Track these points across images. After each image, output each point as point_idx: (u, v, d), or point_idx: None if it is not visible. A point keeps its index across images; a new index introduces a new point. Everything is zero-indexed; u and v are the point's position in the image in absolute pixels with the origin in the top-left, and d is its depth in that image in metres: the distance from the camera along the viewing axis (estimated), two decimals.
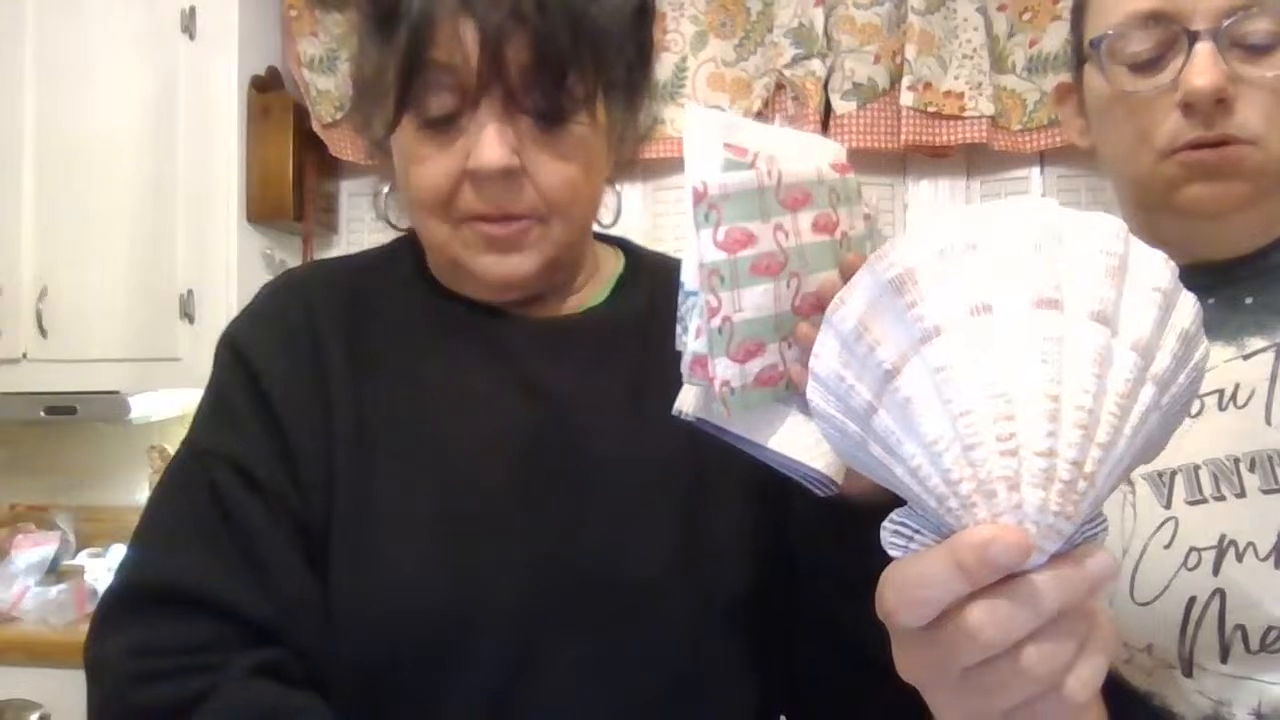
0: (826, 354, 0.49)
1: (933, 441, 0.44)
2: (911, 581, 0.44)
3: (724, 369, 0.63)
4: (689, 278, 0.64)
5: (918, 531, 0.46)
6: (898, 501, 0.48)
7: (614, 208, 0.92)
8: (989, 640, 0.42)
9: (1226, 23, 0.77)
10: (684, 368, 0.64)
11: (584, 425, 0.81)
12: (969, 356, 0.44)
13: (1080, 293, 0.45)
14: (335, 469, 0.78)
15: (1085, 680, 0.44)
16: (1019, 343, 0.43)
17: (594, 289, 0.90)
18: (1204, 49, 0.77)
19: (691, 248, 0.63)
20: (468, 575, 0.75)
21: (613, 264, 0.92)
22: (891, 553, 0.46)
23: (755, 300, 0.63)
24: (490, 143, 0.75)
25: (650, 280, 0.91)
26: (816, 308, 0.64)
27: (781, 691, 0.83)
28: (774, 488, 0.80)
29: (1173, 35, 0.79)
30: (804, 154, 0.66)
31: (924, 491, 0.44)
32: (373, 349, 0.82)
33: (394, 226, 0.91)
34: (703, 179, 0.61)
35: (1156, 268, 0.47)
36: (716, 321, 0.62)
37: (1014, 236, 0.46)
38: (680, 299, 0.65)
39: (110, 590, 0.78)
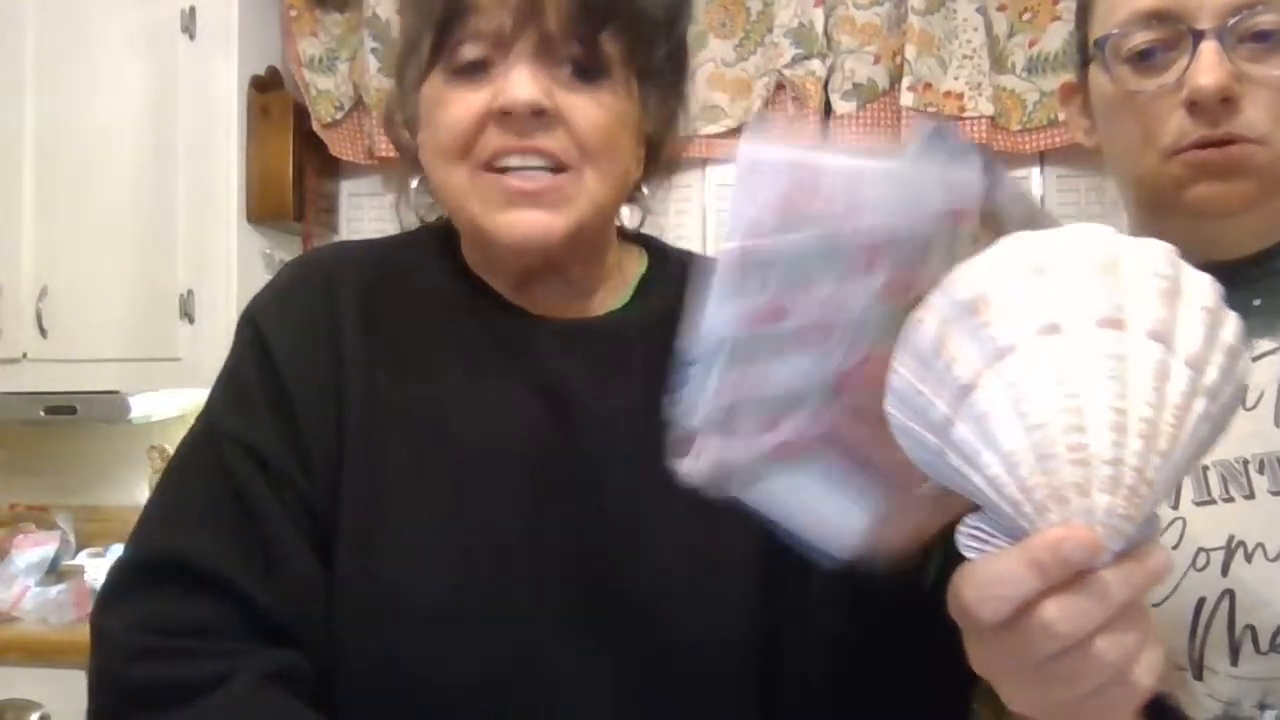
0: (904, 370, 0.52)
1: (1010, 452, 0.48)
2: (989, 580, 0.47)
3: (727, 449, 0.56)
4: (696, 344, 0.54)
5: (992, 535, 0.49)
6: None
7: (640, 212, 0.90)
8: (1063, 633, 0.46)
9: (1232, 21, 0.77)
10: (678, 445, 0.57)
11: (597, 429, 0.80)
12: (1040, 373, 0.48)
13: (1139, 313, 0.48)
14: (345, 457, 0.78)
15: (1151, 666, 0.48)
16: (1086, 360, 0.47)
17: (616, 292, 0.88)
18: (1209, 48, 0.77)
19: (707, 310, 0.53)
20: (472, 572, 0.75)
21: (636, 265, 0.90)
22: (967, 555, 0.50)
23: (783, 372, 0.55)
24: (520, 78, 0.73)
25: (675, 281, 0.87)
26: (861, 383, 0.55)
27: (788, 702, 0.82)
28: None
29: (1178, 34, 0.78)
30: (898, 191, 0.53)
31: (1000, 499, 0.48)
32: (391, 337, 0.81)
33: (421, 220, 0.89)
34: (746, 242, 0.51)
35: (1205, 288, 0.51)
36: (725, 401, 0.55)
37: (1076, 261, 0.50)
38: (685, 370, 0.55)
39: (120, 561, 0.77)
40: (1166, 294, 0.49)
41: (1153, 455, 0.47)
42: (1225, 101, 0.77)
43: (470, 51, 0.75)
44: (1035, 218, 0.58)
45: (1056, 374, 0.47)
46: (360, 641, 0.75)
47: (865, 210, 0.51)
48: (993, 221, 0.56)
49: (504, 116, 0.74)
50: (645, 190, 0.88)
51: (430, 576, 0.75)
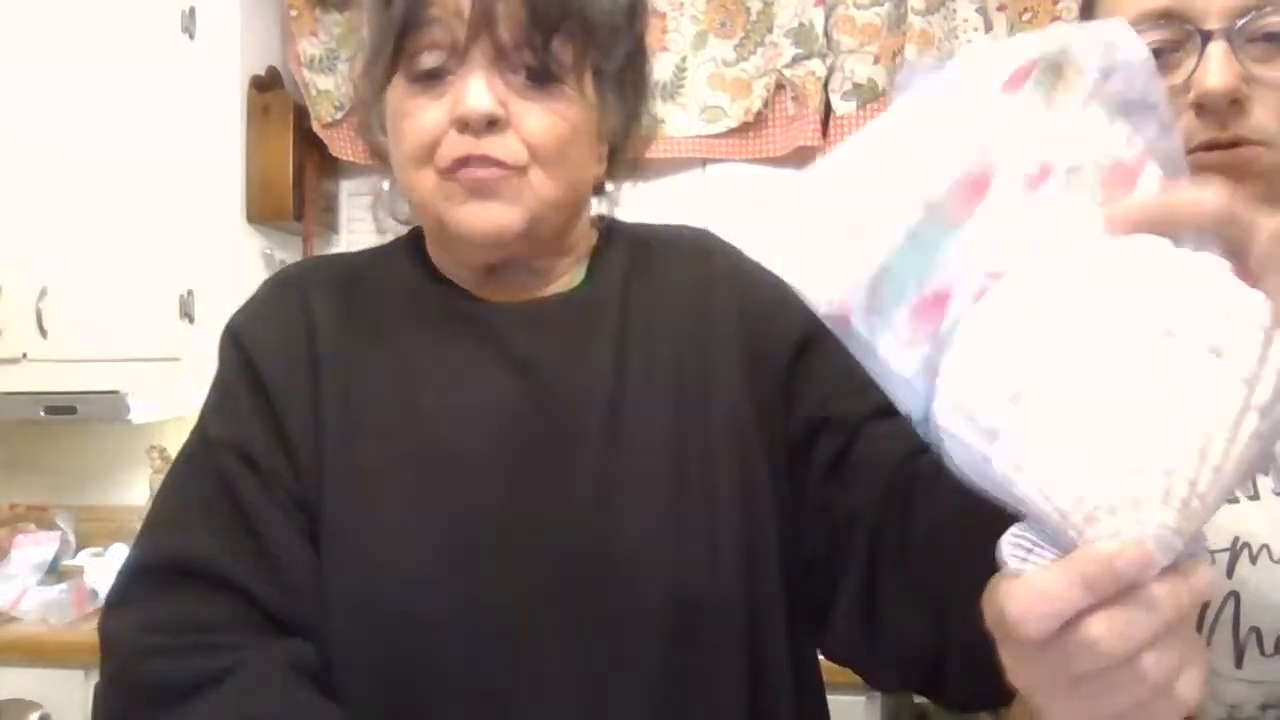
0: (952, 374, 0.52)
1: (1059, 462, 0.47)
2: (1036, 595, 0.46)
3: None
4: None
5: (1037, 545, 0.48)
6: None
7: (607, 209, 0.94)
8: (1110, 650, 0.45)
9: (1240, 22, 0.76)
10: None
11: (567, 398, 0.82)
12: (1097, 380, 0.47)
13: (1197, 328, 0.48)
14: (324, 453, 0.81)
15: (1195, 683, 0.47)
16: (1143, 371, 0.47)
17: (572, 269, 0.91)
18: (1217, 49, 0.76)
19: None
20: (452, 550, 0.77)
21: (589, 240, 0.93)
22: (1011, 564, 0.49)
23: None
24: (477, 89, 0.77)
25: (627, 249, 0.92)
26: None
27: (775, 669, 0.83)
28: (785, 431, 0.83)
29: (1185, 35, 0.78)
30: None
31: (1050, 508, 0.47)
32: (363, 338, 0.85)
33: (397, 220, 0.94)
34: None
35: (1259, 307, 0.50)
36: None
37: (1134, 274, 0.50)
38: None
39: (125, 567, 0.80)
40: (1224, 310, 0.49)
41: (1206, 470, 0.46)
42: (1233, 104, 0.76)
43: (428, 60, 0.79)
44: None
45: (1113, 382, 0.47)
46: (346, 623, 0.77)
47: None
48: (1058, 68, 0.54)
49: (462, 125, 0.78)
50: (610, 187, 0.93)
51: (410, 554, 0.77)
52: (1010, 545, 0.49)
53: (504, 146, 0.78)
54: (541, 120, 0.79)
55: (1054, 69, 0.54)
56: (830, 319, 0.54)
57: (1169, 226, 0.52)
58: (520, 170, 0.79)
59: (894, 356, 0.54)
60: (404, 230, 0.95)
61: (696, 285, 0.88)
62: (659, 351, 0.85)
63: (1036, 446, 0.48)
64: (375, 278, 0.90)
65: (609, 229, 0.95)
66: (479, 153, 0.78)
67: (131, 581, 0.79)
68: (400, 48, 0.79)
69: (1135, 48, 0.55)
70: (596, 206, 0.94)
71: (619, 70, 0.84)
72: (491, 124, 0.77)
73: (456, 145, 0.78)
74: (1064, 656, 0.47)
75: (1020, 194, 0.53)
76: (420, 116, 0.79)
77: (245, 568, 0.77)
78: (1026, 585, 0.47)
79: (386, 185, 0.91)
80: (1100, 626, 0.45)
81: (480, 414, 0.81)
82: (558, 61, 0.78)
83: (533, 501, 0.78)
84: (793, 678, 0.83)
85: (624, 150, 0.90)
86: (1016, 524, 0.50)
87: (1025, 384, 0.49)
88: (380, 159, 0.89)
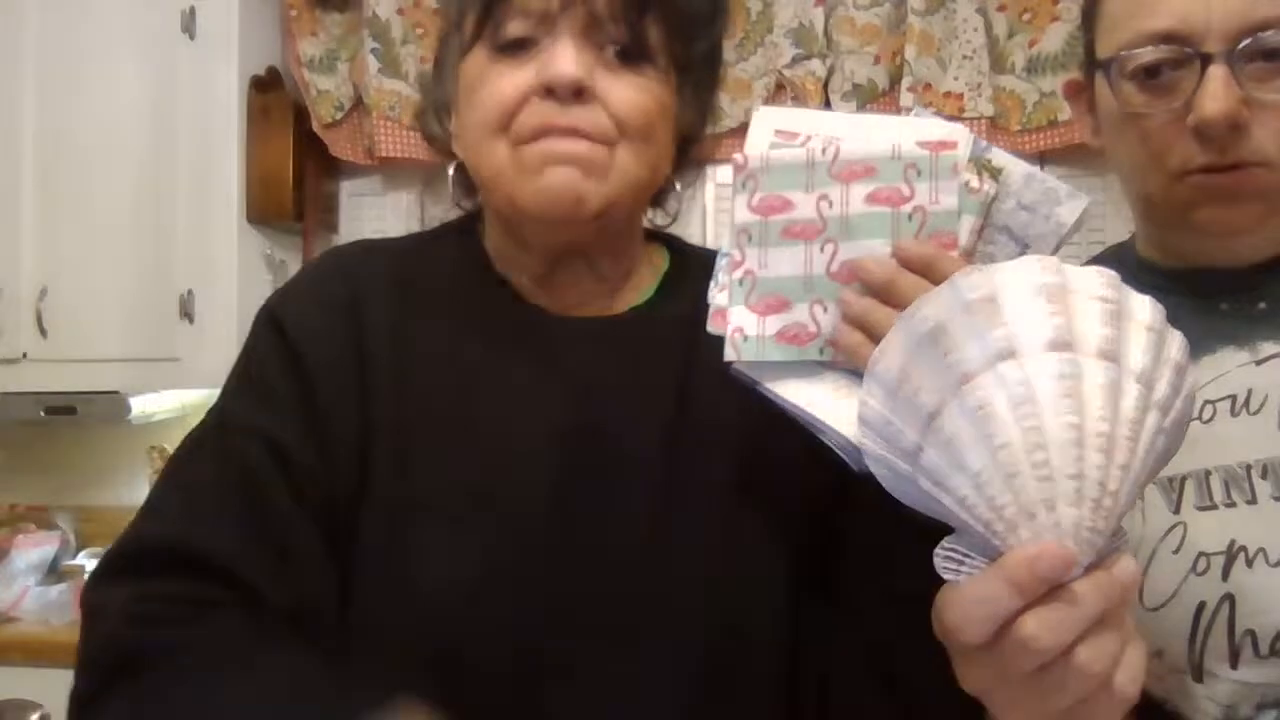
0: (873, 401, 0.56)
1: (977, 473, 0.50)
2: (971, 602, 0.49)
3: (739, 317, 0.71)
4: (726, 241, 0.73)
5: (967, 556, 0.52)
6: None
7: (673, 207, 0.90)
8: (1044, 646, 0.48)
9: (1241, 45, 0.76)
10: (708, 320, 0.72)
11: (624, 425, 0.79)
12: (1000, 396, 0.51)
13: (1087, 335, 0.51)
14: (371, 456, 0.77)
15: (1132, 674, 0.50)
16: (1042, 381, 0.50)
17: (640, 288, 0.87)
18: (1218, 73, 0.76)
19: (730, 214, 0.71)
20: (499, 572, 0.75)
21: (659, 262, 0.90)
22: (945, 577, 0.52)
23: (783, 260, 0.70)
24: (565, 54, 0.73)
25: (698, 278, 0.83)
26: (853, 276, 0.68)
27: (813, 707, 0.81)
28: (820, 497, 0.80)
29: (1185, 56, 0.77)
30: (886, 134, 0.71)
31: (971, 519, 0.51)
32: (414, 333, 0.80)
33: (460, 206, 0.89)
34: (744, 154, 0.72)
35: (1148, 310, 0.54)
36: (738, 274, 0.71)
37: (1025, 289, 0.53)
38: (717, 261, 0.73)
39: (120, 541, 0.75)
40: (1112, 316, 0.52)
41: (1113, 468, 0.49)
42: (1233, 128, 0.76)
43: (515, 29, 0.75)
44: (1052, 195, 0.69)
45: (1015, 396, 0.50)
46: (389, 639, 0.74)
47: (842, 140, 0.70)
48: (988, 169, 0.69)
49: (547, 92, 0.74)
50: (678, 187, 0.88)
51: (458, 575, 0.74)
52: (942, 558, 0.53)
53: (590, 118, 0.74)
54: (631, 95, 0.75)
55: (984, 165, 0.69)
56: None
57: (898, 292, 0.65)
58: (608, 145, 0.75)
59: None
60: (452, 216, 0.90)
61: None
62: (725, 388, 0.78)
63: (953, 464, 0.51)
64: (428, 271, 0.84)
65: (681, 251, 0.92)
66: (564, 123, 0.74)
67: (128, 557, 0.74)
68: (487, 15, 0.75)
69: (1071, 212, 0.69)
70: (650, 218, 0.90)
71: (698, 65, 0.82)
72: (578, 94, 0.73)
73: (539, 113, 0.74)
74: (1006, 657, 0.49)
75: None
76: (500, 83, 0.75)
77: (253, 564, 0.72)
78: (960, 594, 0.50)
79: (453, 168, 0.85)
80: (1032, 625, 0.48)
81: (537, 440, 0.78)
82: (649, 41, 0.76)
83: (579, 531, 0.76)
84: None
85: (693, 148, 0.86)
86: (947, 537, 0.53)
87: (937, 405, 0.52)
88: (439, 149, 0.85)
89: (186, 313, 2.55)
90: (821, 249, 0.70)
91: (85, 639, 0.72)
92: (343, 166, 2.87)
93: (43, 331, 2.62)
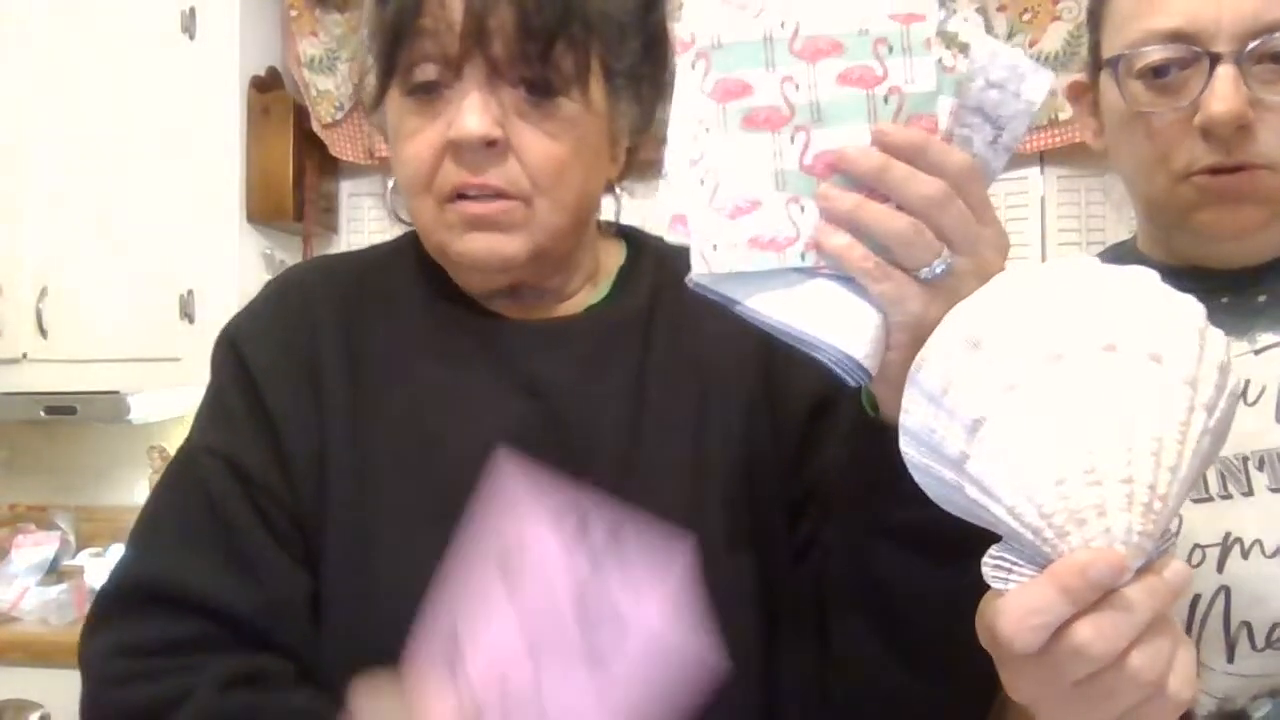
0: (915, 409, 0.54)
1: (1025, 480, 0.49)
2: (1022, 610, 0.48)
3: (703, 222, 0.61)
4: (674, 133, 0.62)
5: (1016, 564, 0.51)
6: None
7: (614, 212, 0.89)
8: (1098, 653, 0.47)
9: (1250, 46, 0.75)
10: (667, 228, 0.62)
11: (584, 424, 0.79)
12: (1048, 401, 0.50)
13: (1135, 337, 0.50)
14: (329, 466, 0.78)
15: (1186, 677, 0.49)
16: (1090, 385, 0.49)
17: (595, 287, 0.87)
18: (1226, 73, 0.75)
19: (677, 101, 0.61)
20: None
21: (615, 258, 0.90)
22: (994, 585, 0.51)
23: (747, 153, 0.60)
24: (470, 110, 0.72)
25: (655, 270, 0.87)
26: (832, 168, 0.60)
27: (797, 692, 0.81)
28: (788, 487, 0.80)
29: (1194, 56, 0.77)
30: (850, 5, 0.61)
31: (1020, 526, 0.50)
32: (370, 349, 0.82)
33: (401, 221, 0.89)
34: (691, 30, 0.61)
35: (1191, 309, 0.53)
36: (698, 172, 0.60)
37: (1070, 291, 0.52)
38: (666, 157, 0.62)
39: (102, 590, 0.78)
40: (1158, 317, 0.51)
41: (1162, 471, 0.48)
42: (1240, 129, 0.76)
43: (422, 73, 0.75)
44: (1017, 71, 0.62)
45: (1063, 401, 0.49)
46: (353, 649, 0.74)
47: (800, 15, 0.60)
48: (956, 43, 0.61)
49: (458, 148, 0.74)
50: (620, 190, 0.87)
51: (422, 583, 0.74)
52: (991, 567, 0.52)
53: (504, 174, 0.74)
54: (543, 146, 0.75)
55: (951, 39, 0.61)
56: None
57: (886, 176, 0.59)
58: (524, 200, 0.75)
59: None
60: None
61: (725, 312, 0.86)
62: (682, 380, 0.81)
63: (1001, 471, 0.50)
64: (383, 284, 0.86)
65: (637, 244, 0.91)
66: (477, 181, 0.74)
67: (106, 605, 0.78)
68: (394, 59, 0.75)
69: (1037, 88, 0.62)
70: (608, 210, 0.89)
71: (632, 67, 0.80)
72: (490, 144, 0.73)
73: (453, 174, 0.74)
74: (1058, 666, 0.48)
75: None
76: (416, 141, 0.75)
77: (219, 584, 0.75)
78: (1013, 602, 0.49)
79: (392, 184, 0.86)
80: (1086, 632, 0.47)
81: (494, 443, 0.76)
82: (558, 72, 0.74)
83: None
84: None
85: (637, 149, 0.85)
86: (994, 545, 0.52)
87: (983, 413, 0.51)
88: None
89: (187, 313, 2.55)
90: (791, 139, 0.60)
91: (80, 697, 0.76)
92: (343, 166, 2.87)
93: (43, 331, 2.63)
